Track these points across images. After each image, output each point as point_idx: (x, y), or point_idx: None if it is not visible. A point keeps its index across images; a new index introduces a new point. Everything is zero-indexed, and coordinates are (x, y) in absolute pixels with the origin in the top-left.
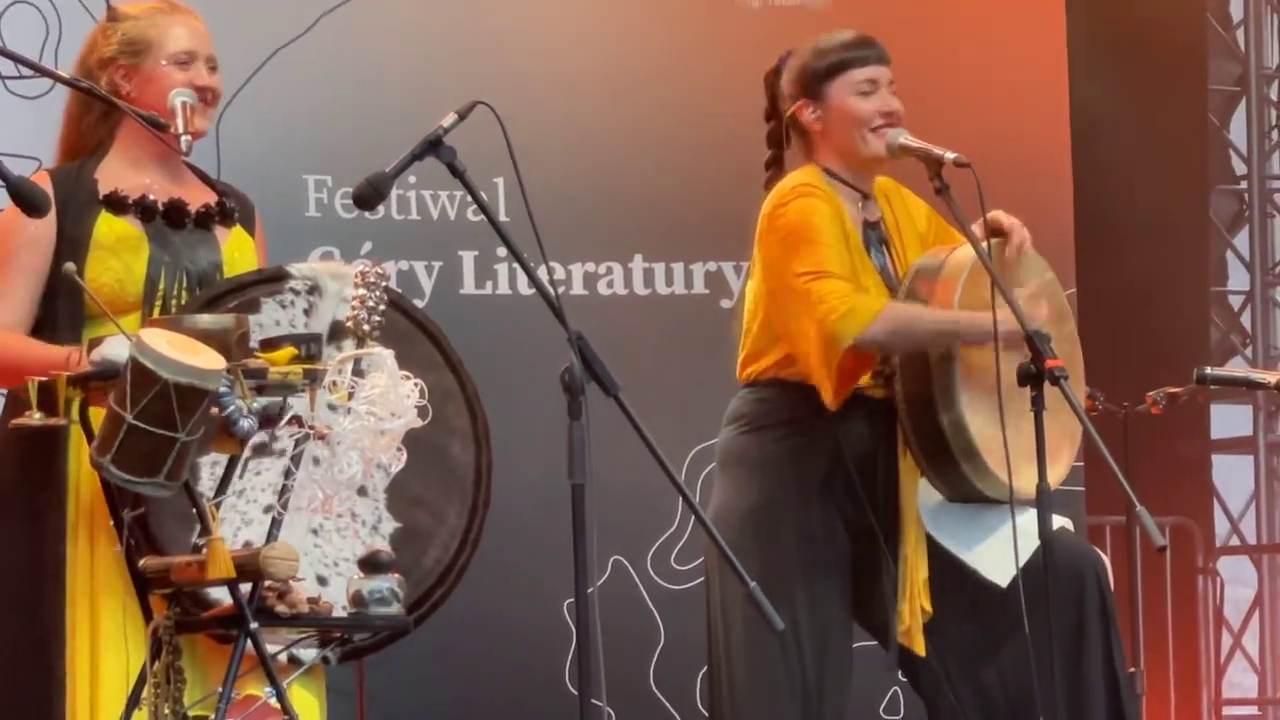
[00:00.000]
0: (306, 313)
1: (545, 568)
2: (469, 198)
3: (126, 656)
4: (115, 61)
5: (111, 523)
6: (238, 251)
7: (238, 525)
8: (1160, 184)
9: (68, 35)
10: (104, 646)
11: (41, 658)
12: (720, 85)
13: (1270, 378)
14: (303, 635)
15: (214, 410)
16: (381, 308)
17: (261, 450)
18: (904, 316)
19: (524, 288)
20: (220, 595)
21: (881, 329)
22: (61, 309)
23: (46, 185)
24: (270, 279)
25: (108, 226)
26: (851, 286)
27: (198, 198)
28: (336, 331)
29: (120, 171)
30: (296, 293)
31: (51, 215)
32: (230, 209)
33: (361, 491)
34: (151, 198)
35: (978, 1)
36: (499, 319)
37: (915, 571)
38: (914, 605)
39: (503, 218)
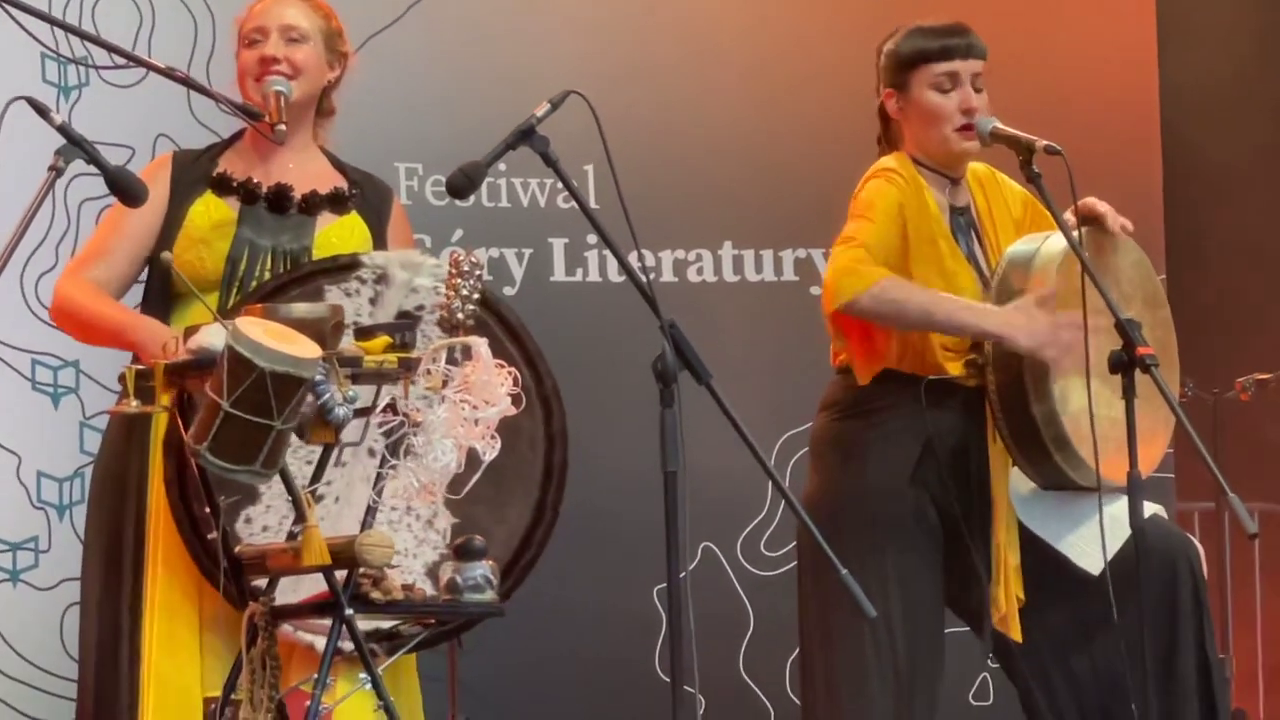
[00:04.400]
0: (372, 301)
1: (636, 554)
2: (559, 185)
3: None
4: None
5: (206, 510)
6: (336, 237)
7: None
8: (1247, 170)
9: (161, 24)
10: (169, 637)
11: (119, 643)
12: (808, 71)
13: None
14: (396, 621)
15: (309, 398)
16: (476, 296)
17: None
18: (899, 293)
19: (614, 275)
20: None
21: (870, 300)
22: (155, 284)
23: (167, 166)
24: (340, 268)
25: (203, 207)
26: (868, 257)
27: (315, 184)
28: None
29: (242, 156)
30: (363, 281)
31: (165, 194)
32: (345, 194)
33: None
34: (257, 180)
35: None
36: (589, 306)
37: (1008, 558)
38: (1009, 591)
39: (593, 205)
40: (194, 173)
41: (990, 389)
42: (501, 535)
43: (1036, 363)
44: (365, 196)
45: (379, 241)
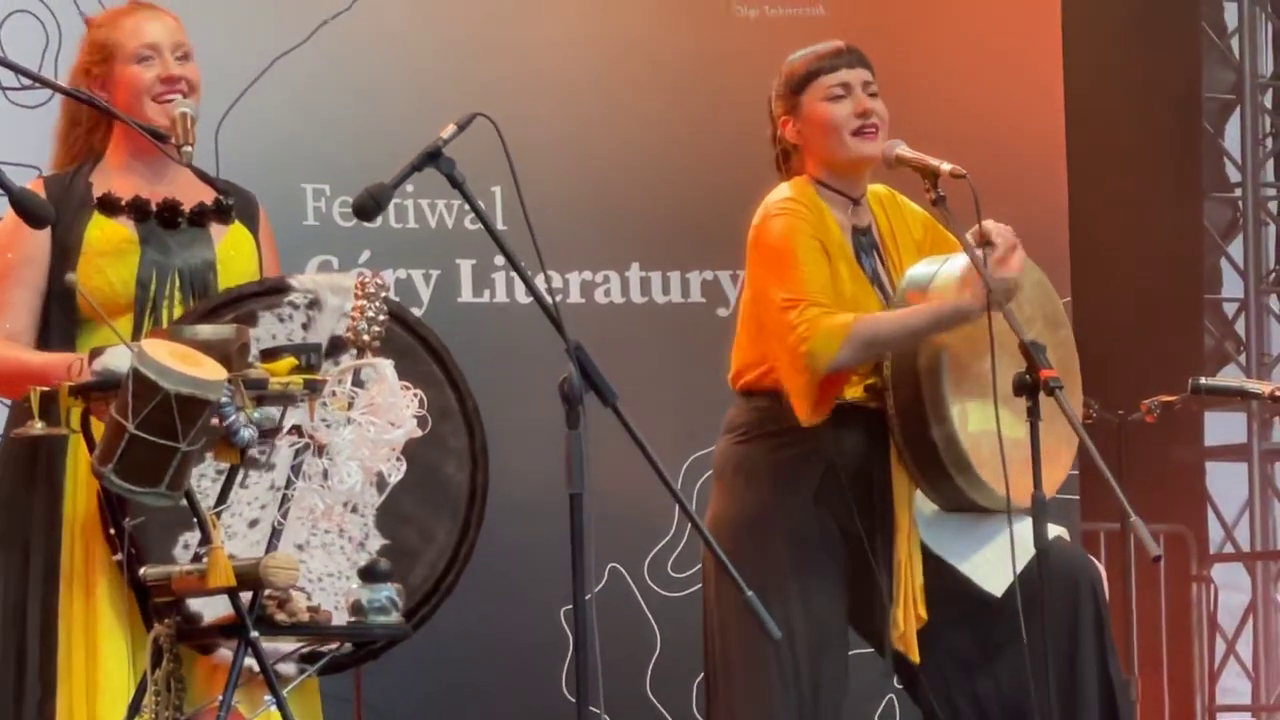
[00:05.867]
0: (305, 327)
1: (542, 576)
2: (467, 206)
3: (129, 671)
4: (89, 72)
5: (112, 532)
6: (234, 248)
7: (221, 538)
8: (1154, 192)
9: (67, 44)
10: (103, 659)
11: (29, 667)
12: (717, 94)
13: (1264, 387)
14: (299, 645)
15: (215, 420)
16: (381, 318)
17: (249, 463)
18: (869, 332)
19: (521, 296)
20: (200, 606)
21: (850, 351)
22: (54, 315)
23: (42, 193)
24: (270, 291)
25: (99, 230)
26: (823, 311)
27: (193, 197)
28: (335, 346)
29: (114, 175)
30: (296, 306)
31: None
32: (227, 205)
33: (352, 508)
34: (144, 198)
35: (974, 9)
36: (496, 327)
37: (910, 579)
38: (909, 612)
39: (500, 226)
40: (73, 197)
41: (890, 412)
42: (430, 555)
43: (933, 384)
44: (238, 206)
45: (258, 249)
